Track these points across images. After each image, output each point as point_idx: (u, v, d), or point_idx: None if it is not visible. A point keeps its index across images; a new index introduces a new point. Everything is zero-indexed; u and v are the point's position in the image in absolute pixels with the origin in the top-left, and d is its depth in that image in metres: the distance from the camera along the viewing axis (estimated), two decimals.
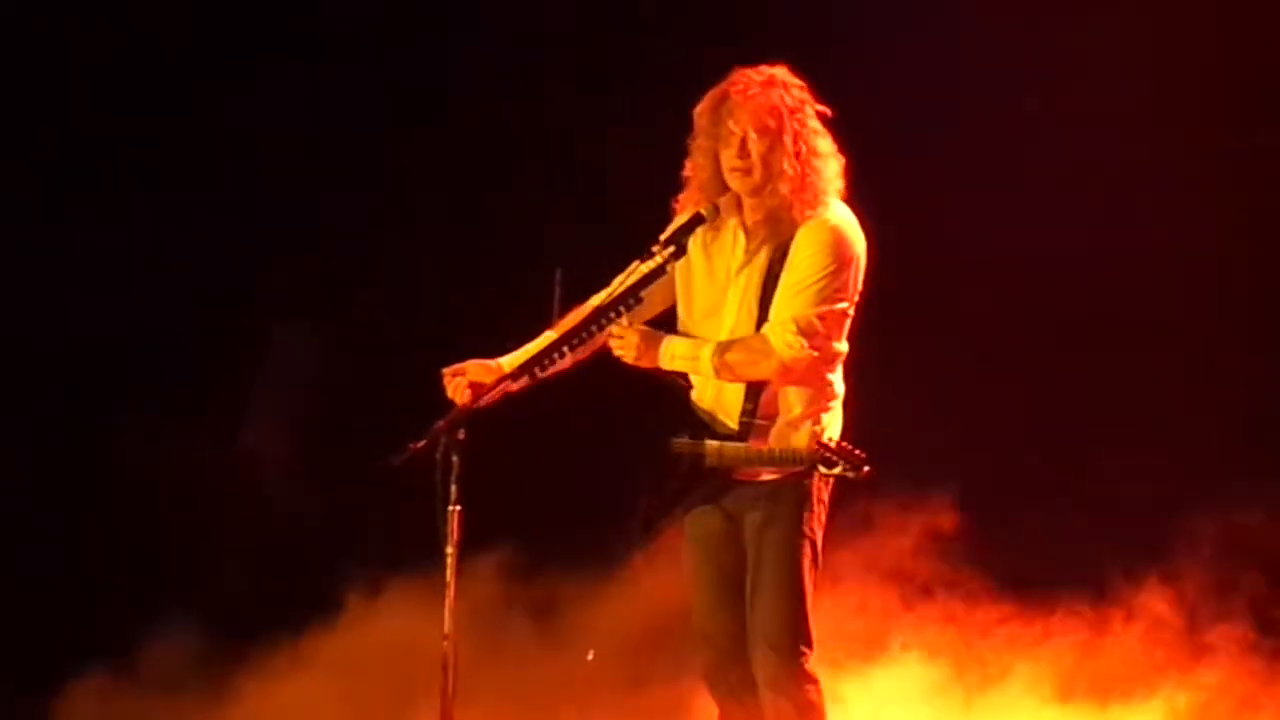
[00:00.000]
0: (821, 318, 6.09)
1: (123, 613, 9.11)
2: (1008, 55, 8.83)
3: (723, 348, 6.09)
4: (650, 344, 6.13)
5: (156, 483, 9.40)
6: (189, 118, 9.53)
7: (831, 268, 6.09)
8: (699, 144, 6.17)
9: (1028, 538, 8.69)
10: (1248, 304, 8.81)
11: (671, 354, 6.13)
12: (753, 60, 6.21)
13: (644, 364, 6.13)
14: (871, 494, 7.94)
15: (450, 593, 5.91)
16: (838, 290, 6.10)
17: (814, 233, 6.09)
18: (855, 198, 6.24)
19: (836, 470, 5.97)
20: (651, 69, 8.84)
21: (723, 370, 6.08)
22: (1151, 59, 8.76)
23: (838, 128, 6.20)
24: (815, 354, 6.09)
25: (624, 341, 6.12)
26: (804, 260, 6.09)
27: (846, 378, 6.27)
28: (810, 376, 6.15)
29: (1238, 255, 8.79)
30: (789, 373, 6.09)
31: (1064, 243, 8.83)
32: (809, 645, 6.13)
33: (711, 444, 6.11)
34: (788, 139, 6.06)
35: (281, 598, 9.10)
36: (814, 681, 6.13)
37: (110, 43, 9.53)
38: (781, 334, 6.07)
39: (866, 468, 5.94)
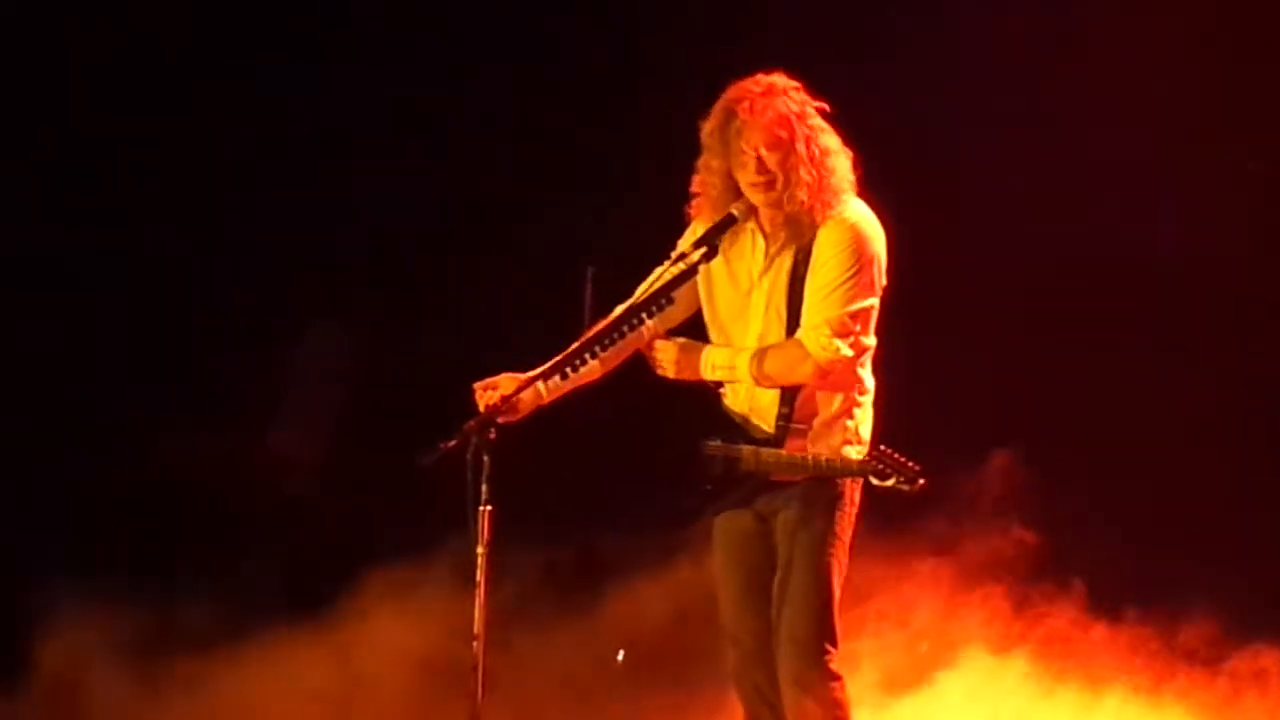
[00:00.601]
0: (853, 316, 6.11)
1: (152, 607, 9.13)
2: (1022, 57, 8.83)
3: (760, 356, 6.12)
4: (690, 356, 6.19)
5: (187, 483, 9.40)
6: (208, 115, 9.54)
7: (856, 266, 6.11)
8: (708, 162, 6.20)
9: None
10: None
11: (711, 364, 6.18)
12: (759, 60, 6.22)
13: (684, 376, 6.19)
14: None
15: (480, 593, 5.90)
16: (865, 287, 6.13)
17: (835, 233, 6.11)
18: (873, 191, 6.26)
19: (889, 482, 5.97)
20: (676, 69, 8.83)
21: (762, 379, 6.12)
22: (1172, 61, 8.74)
23: (858, 125, 6.21)
24: (851, 354, 6.11)
25: (664, 355, 6.19)
26: (829, 261, 6.11)
27: (876, 372, 6.29)
28: (843, 375, 6.17)
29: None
30: (826, 375, 6.12)
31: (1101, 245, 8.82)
32: (834, 644, 6.14)
33: (747, 449, 6.13)
34: (800, 146, 6.08)
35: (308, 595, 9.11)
36: (839, 679, 6.15)
37: (113, 43, 9.53)
38: (816, 338, 6.08)
39: (921, 480, 5.94)
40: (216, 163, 9.55)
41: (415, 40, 9.55)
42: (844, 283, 6.09)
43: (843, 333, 6.08)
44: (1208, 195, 8.75)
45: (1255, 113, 8.80)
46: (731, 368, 6.14)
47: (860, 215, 6.17)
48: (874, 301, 6.17)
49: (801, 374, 6.11)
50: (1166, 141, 8.75)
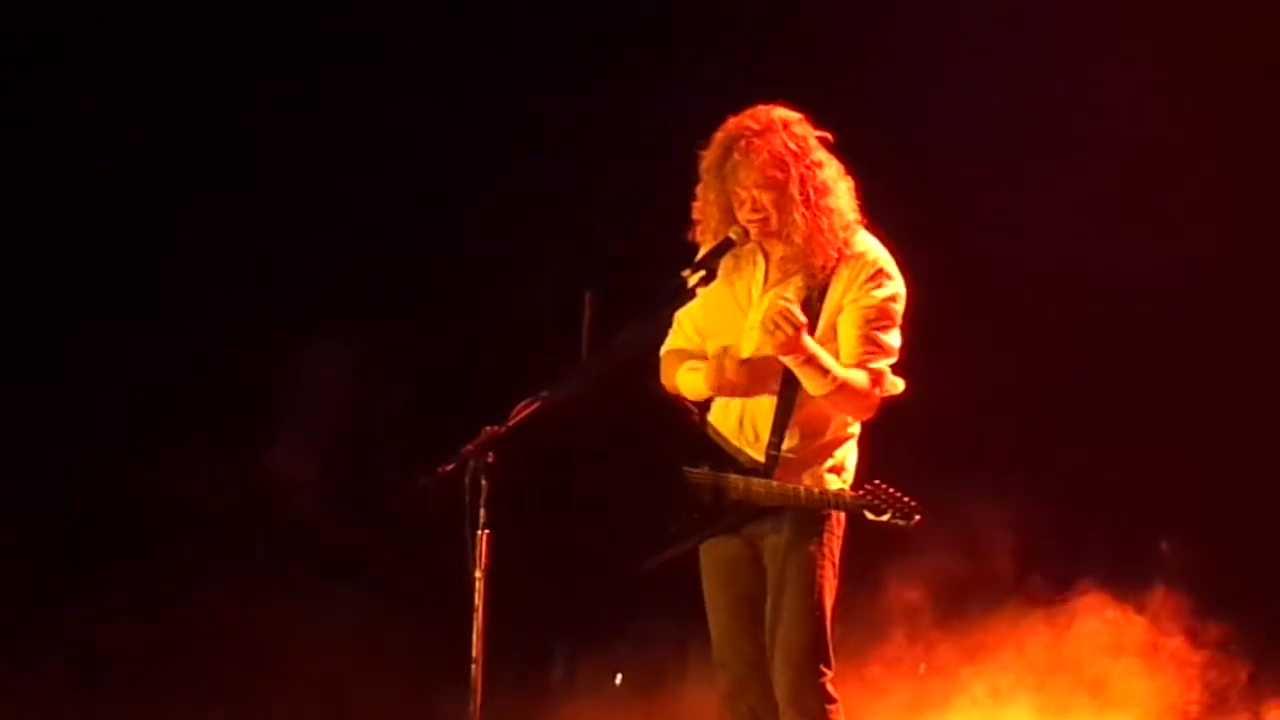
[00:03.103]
0: (897, 351, 6.16)
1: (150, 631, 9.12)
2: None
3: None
4: (800, 333, 6.00)
5: (186, 504, 9.40)
6: (214, 137, 9.55)
7: (892, 301, 6.15)
8: (705, 195, 6.21)
9: None
10: None
11: (812, 350, 6.02)
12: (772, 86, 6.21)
13: (783, 349, 5.99)
14: None
15: (478, 617, 5.89)
16: (897, 322, 6.17)
17: (863, 271, 6.12)
18: (889, 219, 6.27)
19: (885, 517, 5.97)
20: (681, 92, 8.85)
21: (838, 395, 6.06)
22: (1192, 83, 8.75)
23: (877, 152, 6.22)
24: (902, 389, 6.17)
25: (789, 316, 5.98)
26: (865, 299, 6.11)
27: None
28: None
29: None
30: (874, 409, 6.15)
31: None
32: (829, 665, 6.15)
33: (736, 478, 6.14)
34: (794, 188, 6.08)
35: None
36: (835, 701, 6.15)
37: (111, 55, 9.54)
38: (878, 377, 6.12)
39: (918, 516, 5.95)
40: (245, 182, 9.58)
41: (415, 56, 9.56)
42: (885, 319, 6.13)
43: (894, 368, 6.14)
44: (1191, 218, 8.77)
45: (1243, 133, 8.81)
46: (827, 370, 6.02)
47: (882, 254, 6.18)
48: (899, 339, 6.20)
49: (863, 410, 6.14)
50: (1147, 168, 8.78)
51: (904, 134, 8.81)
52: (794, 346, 5.99)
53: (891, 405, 6.24)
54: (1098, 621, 8.63)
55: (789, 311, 5.97)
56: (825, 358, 6.04)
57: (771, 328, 5.98)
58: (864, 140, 6.23)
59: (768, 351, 6.08)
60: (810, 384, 6.07)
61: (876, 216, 6.27)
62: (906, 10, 9.00)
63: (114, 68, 9.51)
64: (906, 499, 5.93)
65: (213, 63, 9.53)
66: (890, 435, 6.39)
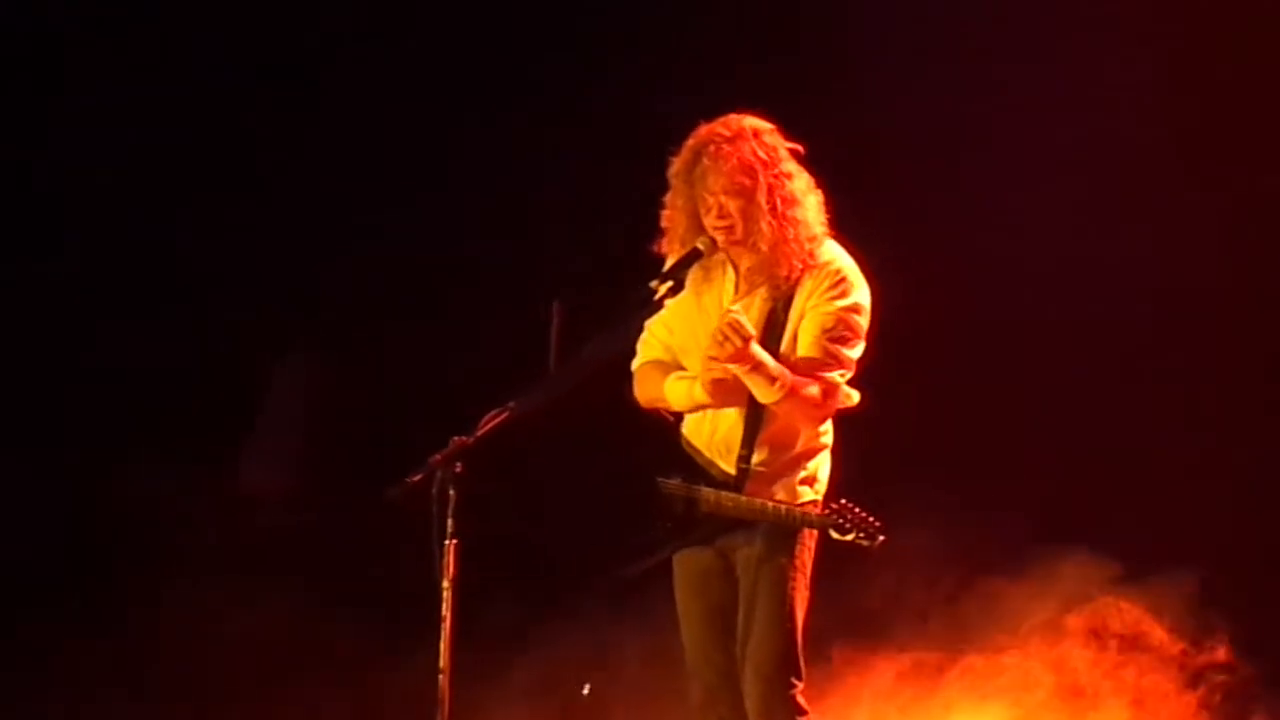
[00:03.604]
0: (854, 363, 6.16)
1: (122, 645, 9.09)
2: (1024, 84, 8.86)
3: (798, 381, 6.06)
4: (749, 347, 6.03)
5: (155, 519, 9.37)
6: (189, 149, 9.53)
7: (854, 312, 6.15)
8: (674, 201, 6.21)
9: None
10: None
11: (759, 359, 6.04)
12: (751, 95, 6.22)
13: (735, 361, 6.02)
14: None
15: (446, 627, 5.88)
16: (858, 333, 6.16)
17: (826, 281, 6.13)
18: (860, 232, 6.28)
19: (849, 537, 5.98)
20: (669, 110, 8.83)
21: (787, 404, 6.05)
22: (1171, 92, 8.76)
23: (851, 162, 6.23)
24: (857, 401, 6.18)
25: (738, 328, 6.00)
26: (827, 309, 6.12)
27: (837, 426, 6.31)
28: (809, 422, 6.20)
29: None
30: (825, 420, 6.17)
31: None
32: (799, 677, 6.15)
33: (708, 491, 6.15)
34: (762, 196, 6.08)
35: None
36: (805, 713, 6.16)
37: (103, 73, 9.52)
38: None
39: (881, 537, 5.96)
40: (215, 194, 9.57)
41: (389, 73, 9.56)
42: (844, 330, 6.12)
43: (850, 380, 6.15)
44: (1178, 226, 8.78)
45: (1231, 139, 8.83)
46: (776, 378, 6.04)
47: (846, 263, 6.18)
48: (859, 352, 6.19)
49: (813, 419, 6.15)
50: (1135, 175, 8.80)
51: (891, 138, 8.81)
52: (741, 355, 6.01)
53: (862, 415, 6.26)
54: (1082, 636, 8.64)
55: (738, 323, 6.01)
56: (773, 366, 6.05)
57: (720, 339, 6.02)
58: (845, 145, 6.24)
59: (719, 360, 6.07)
60: (758, 391, 6.08)
61: (859, 222, 6.29)
62: (901, 11, 9.00)
63: (114, 68, 9.50)
64: (872, 519, 5.97)
65: (213, 63, 9.52)
66: (860, 444, 6.42)
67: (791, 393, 6.05)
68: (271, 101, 9.52)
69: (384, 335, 9.46)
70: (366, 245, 9.46)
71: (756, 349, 6.03)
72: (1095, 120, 8.86)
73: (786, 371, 6.06)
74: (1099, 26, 8.85)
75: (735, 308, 6.09)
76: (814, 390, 6.08)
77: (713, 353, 6.06)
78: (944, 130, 8.91)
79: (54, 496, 9.33)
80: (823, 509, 6.11)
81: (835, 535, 5.99)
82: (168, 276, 9.57)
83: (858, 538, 5.96)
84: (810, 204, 6.15)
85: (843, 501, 6.04)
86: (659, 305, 6.12)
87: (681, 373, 6.29)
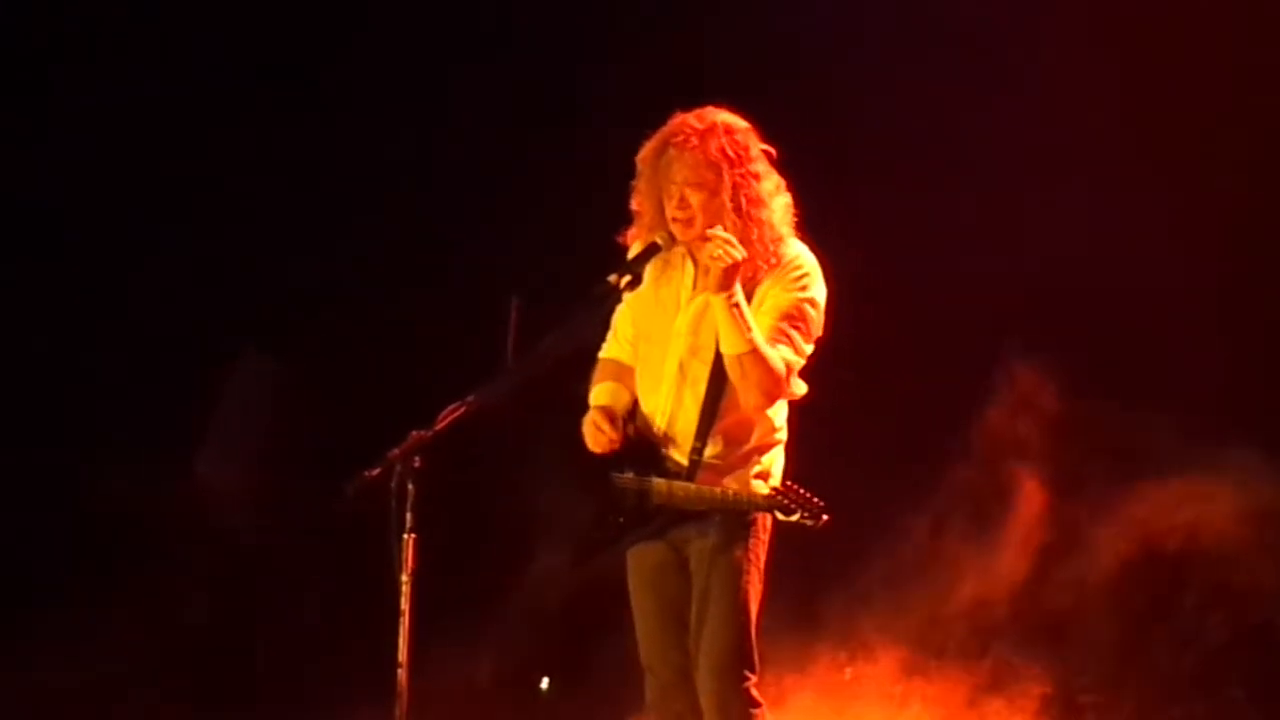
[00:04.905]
0: (801, 359, 6.14)
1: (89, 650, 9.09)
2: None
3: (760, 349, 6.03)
4: (731, 273, 5.99)
5: (117, 514, 9.37)
6: (144, 146, 9.52)
7: (810, 306, 6.13)
8: (641, 187, 6.20)
9: None
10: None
11: (740, 300, 6.00)
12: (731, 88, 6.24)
13: (723, 285, 5.98)
14: None
15: (405, 621, 5.90)
16: (814, 327, 6.16)
17: (789, 272, 6.11)
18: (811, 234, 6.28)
19: (794, 517, 5.98)
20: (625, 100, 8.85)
21: (750, 360, 6.01)
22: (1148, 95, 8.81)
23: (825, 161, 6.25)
24: (803, 393, 6.17)
25: (726, 247, 5.97)
26: (786, 300, 6.10)
27: (791, 421, 6.31)
28: (761, 414, 6.19)
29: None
30: (765, 408, 6.14)
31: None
32: (753, 670, 6.16)
33: (660, 482, 6.14)
34: (726, 195, 6.06)
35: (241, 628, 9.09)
36: (759, 705, 6.16)
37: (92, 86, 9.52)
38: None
39: (825, 516, 5.96)
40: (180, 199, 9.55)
41: (357, 77, 9.57)
42: (800, 320, 6.11)
43: (800, 372, 6.14)
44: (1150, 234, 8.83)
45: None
46: (749, 329, 5.99)
47: (809, 260, 6.17)
48: (811, 347, 6.19)
49: (768, 393, 6.08)
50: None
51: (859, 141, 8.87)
52: (730, 281, 5.97)
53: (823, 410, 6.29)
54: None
55: (732, 240, 5.97)
56: (751, 318, 6.03)
57: (717, 254, 5.96)
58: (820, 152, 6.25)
59: (694, 364, 6.10)
60: (729, 335, 6.01)
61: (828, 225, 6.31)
62: (870, 18, 9.05)
63: (114, 67, 9.49)
64: (814, 499, 5.96)
65: (213, 63, 9.53)
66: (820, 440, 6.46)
67: (757, 350, 6.00)
68: (235, 105, 9.53)
69: (340, 333, 9.48)
70: (331, 245, 9.49)
71: (740, 291, 5.98)
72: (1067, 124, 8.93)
73: (753, 332, 6.02)
74: (1071, 31, 8.91)
75: (716, 229, 6.03)
76: (777, 359, 6.05)
77: (704, 282, 6.02)
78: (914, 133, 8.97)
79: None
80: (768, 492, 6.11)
81: (780, 516, 5.98)
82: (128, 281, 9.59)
83: (803, 517, 5.95)
84: (777, 205, 6.13)
85: (787, 483, 6.04)
86: (617, 299, 6.11)
87: (607, 386, 6.31)
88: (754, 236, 6.07)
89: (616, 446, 6.17)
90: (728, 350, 6.04)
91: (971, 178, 8.85)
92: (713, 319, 6.09)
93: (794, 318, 6.11)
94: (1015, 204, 8.81)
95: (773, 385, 6.08)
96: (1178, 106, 8.76)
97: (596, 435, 6.18)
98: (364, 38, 9.55)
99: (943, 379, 8.86)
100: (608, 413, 6.22)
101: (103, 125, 9.49)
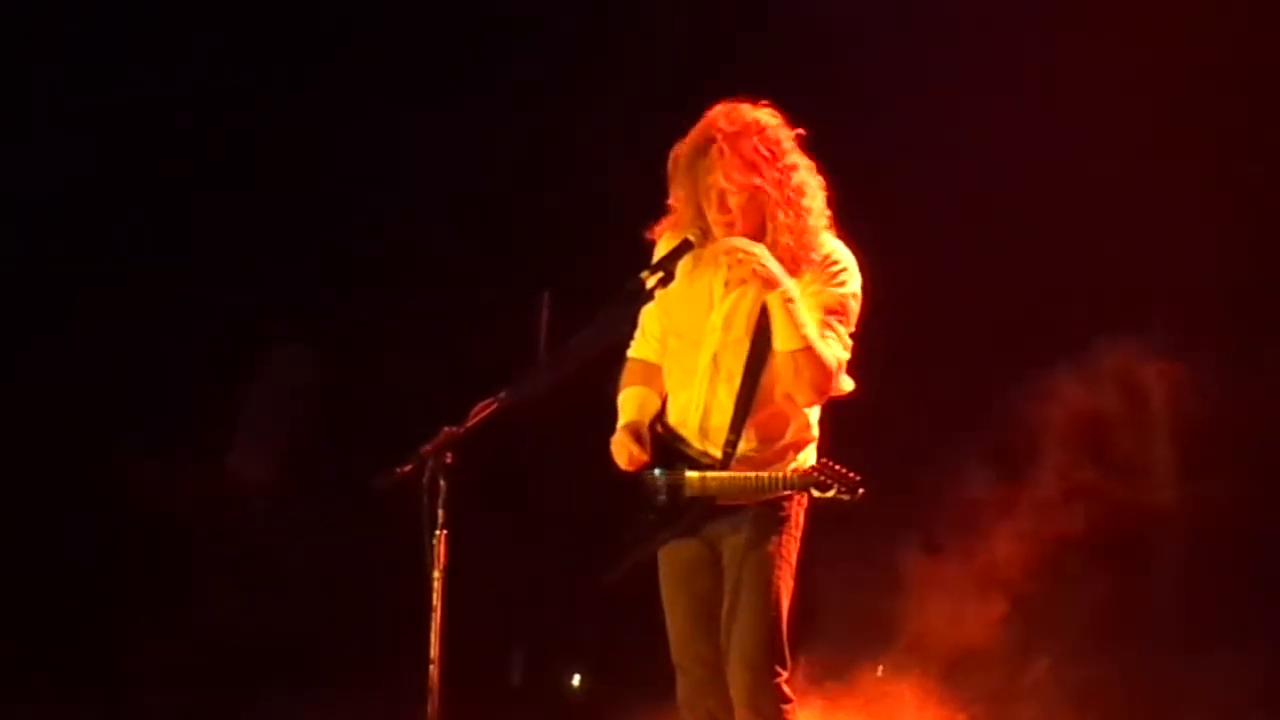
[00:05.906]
0: (848, 354, 6.13)
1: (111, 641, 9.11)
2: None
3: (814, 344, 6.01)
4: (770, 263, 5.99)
5: (147, 508, 9.39)
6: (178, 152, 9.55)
7: (853, 302, 6.13)
8: (676, 192, 6.18)
9: None
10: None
11: (794, 294, 5.98)
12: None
13: (767, 287, 5.98)
14: None
15: (436, 618, 5.90)
16: (852, 324, 6.15)
17: (828, 268, 6.10)
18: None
19: (830, 493, 5.97)
20: (657, 97, 8.85)
21: (804, 356, 5.99)
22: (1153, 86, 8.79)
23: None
24: (850, 390, 6.14)
25: (744, 242, 5.99)
26: (828, 295, 6.08)
27: (823, 422, 6.29)
28: (797, 410, 6.17)
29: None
30: (816, 404, 6.13)
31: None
32: (784, 666, 6.14)
33: (692, 474, 6.13)
34: (773, 190, 6.05)
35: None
36: (790, 701, 6.14)
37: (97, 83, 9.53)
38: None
39: (861, 490, 5.95)
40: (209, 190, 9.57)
41: (381, 66, 9.58)
42: (844, 313, 6.10)
43: (844, 369, 6.12)
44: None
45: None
46: (802, 325, 5.97)
47: (846, 255, 6.16)
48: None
49: (820, 389, 6.06)
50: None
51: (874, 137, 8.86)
52: (770, 278, 5.96)
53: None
54: None
55: (744, 240, 5.98)
56: (805, 313, 6.02)
57: (735, 262, 5.98)
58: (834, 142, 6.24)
59: (728, 360, 6.10)
60: (783, 332, 6.00)
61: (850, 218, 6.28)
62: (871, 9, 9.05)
63: (114, 67, 9.51)
64: (850, 474, 5.93)
65: (213, 63, 9.54)
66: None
67: (811, 347, 5.99)
68: (269, 100, 9.55)
69: (373, 328, 9.50)
70: (362, 241, 9.51)
71: (789, 283, 5.96)
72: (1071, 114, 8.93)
73: (813, 323, 6.01)
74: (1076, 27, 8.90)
75: (722, 242, 6.03)
76: (829, 355, 6.04)
77: (742, 288, 6.03)
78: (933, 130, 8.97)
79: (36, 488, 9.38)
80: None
81: (816, 493, 5.96)
82: (157, 271, 9.60)
83: (839, 492, 5.93)
84: (813, 194, 6.12)
85: (822, 460, 6.02)
86: (649, 296, 6.09)
87: (635, 391, 6.31)
88: (796, 228, 6.07)
89: (645, 462, 6.17)
90: (782, 347, 6.03)
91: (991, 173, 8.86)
92: (745, 314, 6.10)
93: (837, 312, 6.10)
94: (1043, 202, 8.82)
95: (824, 381, 6.06)
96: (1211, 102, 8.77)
97: (624, 455, 6.19)
98: (391, 29, 9.56)
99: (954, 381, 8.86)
100: (634, 431, 6.21)
101: (154, 116, 9.50)
